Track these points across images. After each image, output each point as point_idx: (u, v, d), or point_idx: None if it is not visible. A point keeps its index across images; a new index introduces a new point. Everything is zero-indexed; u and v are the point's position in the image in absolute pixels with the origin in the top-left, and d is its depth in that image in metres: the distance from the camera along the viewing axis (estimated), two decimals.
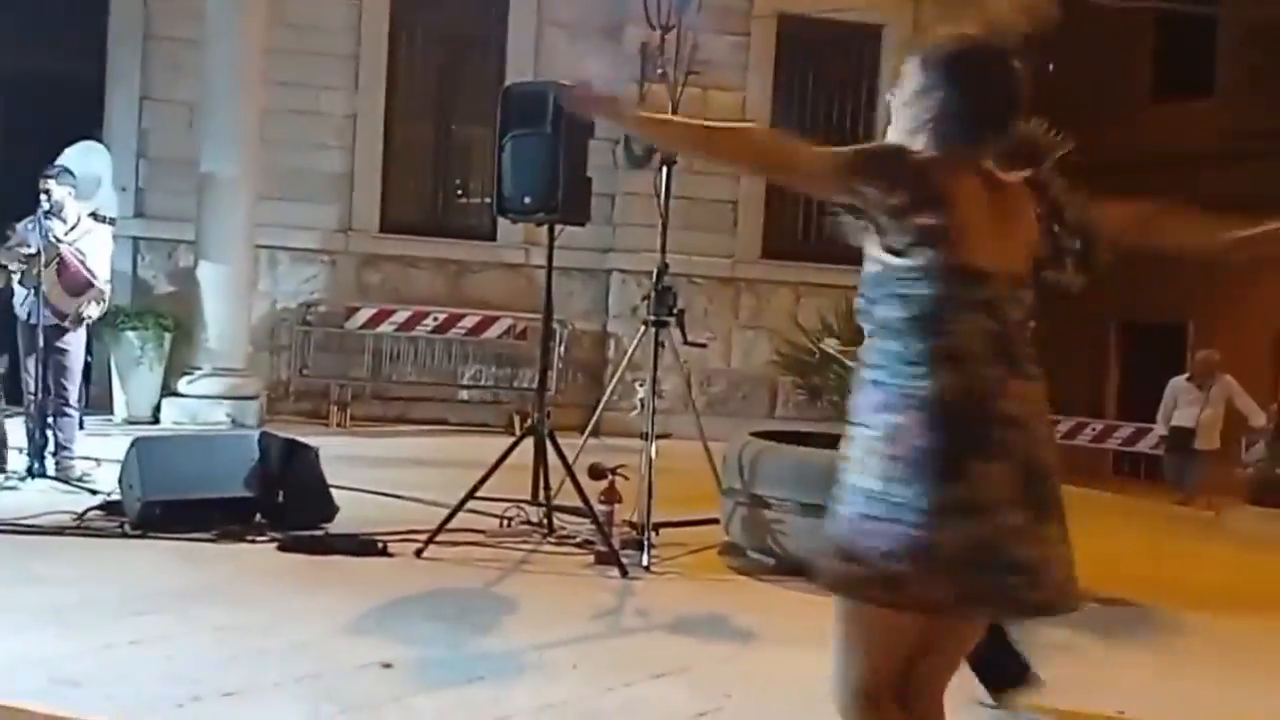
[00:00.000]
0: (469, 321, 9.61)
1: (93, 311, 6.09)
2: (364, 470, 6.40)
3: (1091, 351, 14.72)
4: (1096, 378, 14.72)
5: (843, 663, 2.03)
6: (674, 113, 5.93)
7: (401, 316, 9.49)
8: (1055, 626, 4.34)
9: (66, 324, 5.98)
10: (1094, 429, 12.01)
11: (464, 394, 9.78)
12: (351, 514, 5.30)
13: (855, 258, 8.25)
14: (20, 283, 5.94)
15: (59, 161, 6.23)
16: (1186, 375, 10.37)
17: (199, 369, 8.38)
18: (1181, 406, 10.16)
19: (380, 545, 4.86)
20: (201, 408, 8.23)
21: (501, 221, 7.90)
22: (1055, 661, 3.97)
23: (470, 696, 3.29)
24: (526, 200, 5.38)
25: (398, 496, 5.91)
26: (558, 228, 5.53)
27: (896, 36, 9.84)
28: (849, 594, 1.97)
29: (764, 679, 3.56)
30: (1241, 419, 10.29)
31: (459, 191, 10.41)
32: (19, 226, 5.97)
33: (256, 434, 5.68)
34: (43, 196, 5.87)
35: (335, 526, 5.17)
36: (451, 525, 4.98)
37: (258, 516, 5.10)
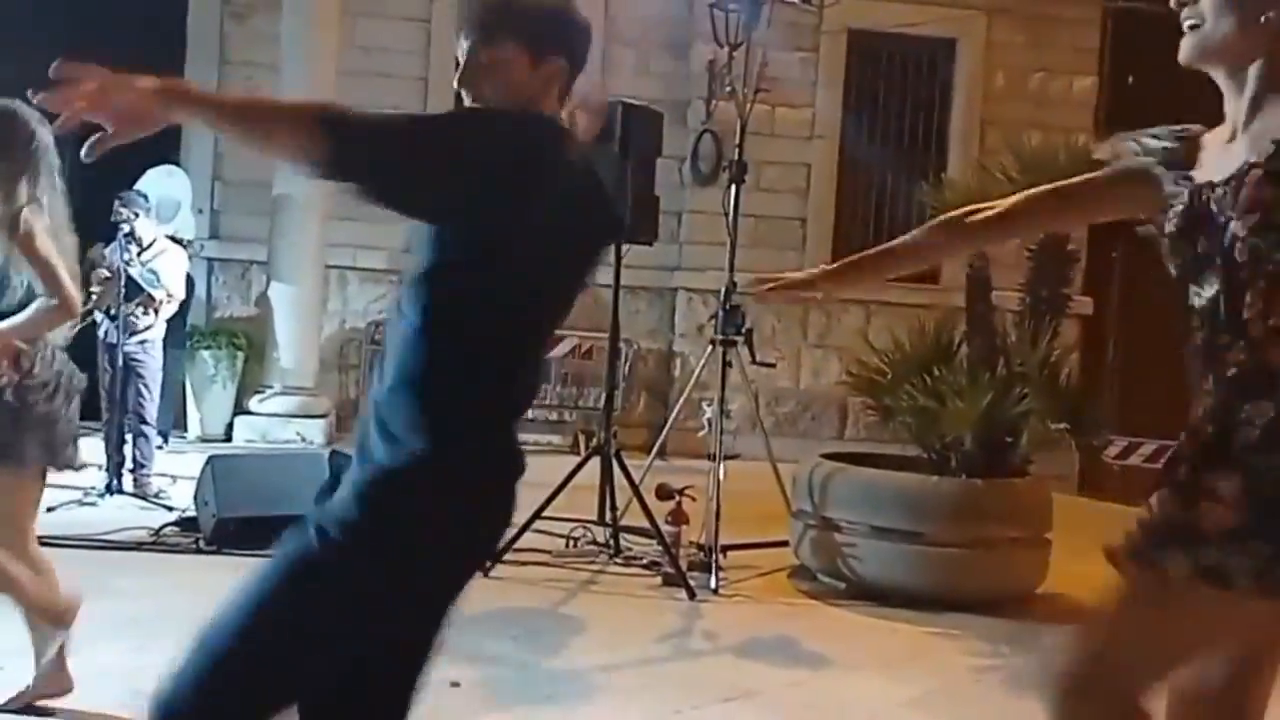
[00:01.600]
0: None
1: (146, 320, 6.13)
2: None
3: (1173, 373, 14.25)
4: (1179, 400, 14.22)
5: (1138, 654, 1.71)
6: (742, 130, 5.88)
7: None
8: None
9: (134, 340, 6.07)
10: None
11: (530, 413, 9.76)
12: None
13: (926, 277, 8.14)
14: (98, 304, 6.07)
15: (139, 185, 6.37)
16: None
17: (270, 388, 8.50)
18: None
19: None
20: (272, 426, 8.34)
21: None
22: None
23: (538, 716, 3.26)
24: None
25: None
26: (625, 246, 5.51)
27: (969, 50, 9.70)
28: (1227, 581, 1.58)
29: (833, 705, 3.48)
30: None
31: None
32: (102, 250, 6.10)
33: (327, 452, 5.72)
34: (119, 220, 6.00)
35: None
36: (518, 545, 4.94)
37: None
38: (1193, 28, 1.70)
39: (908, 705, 3.53)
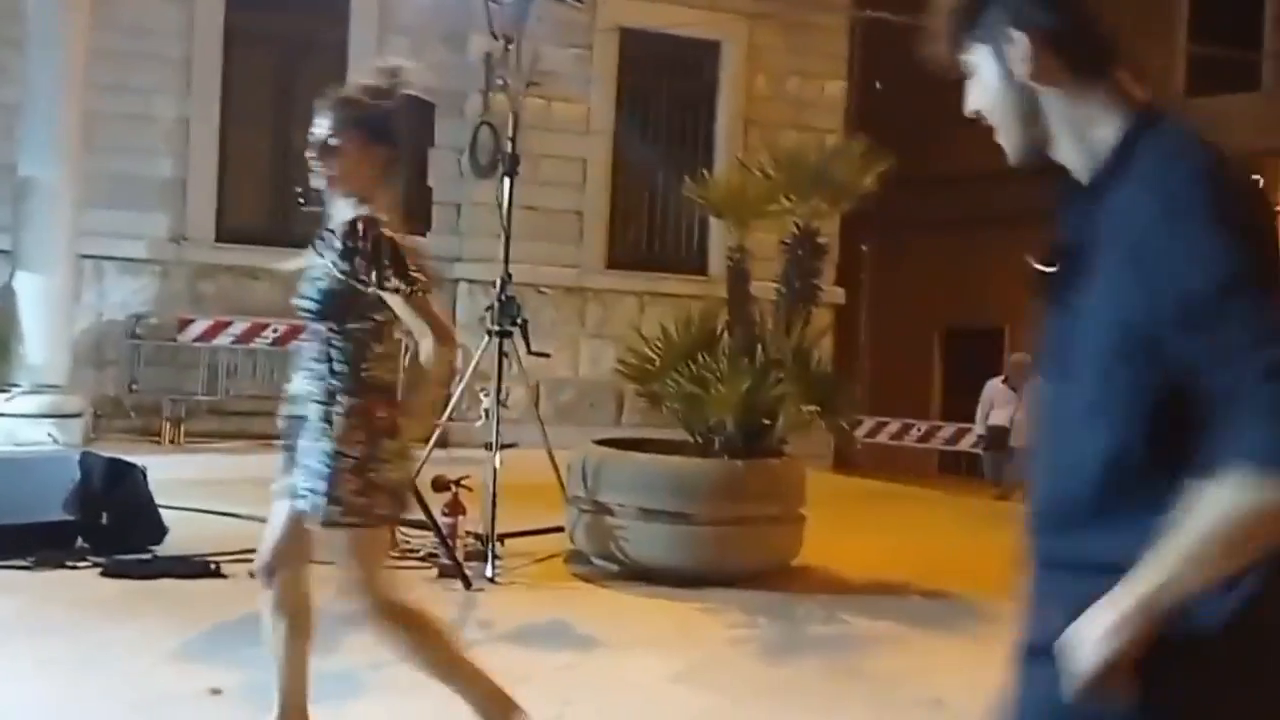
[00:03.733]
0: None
1: None
2: (199, 489, 6.16)
3: (917, 357, 15.45)
4: (922, 382, 15.45)
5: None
6: (515, 124, 5.95)
7: (239, 328, 9.17)
8: (880, 619, 4.57)
9: None
10: (919, 430, 12.61)
11: None
12: (183, 535, 5.11)
13: (696, 268, 8.48)
14: None
15: None
16: (1002, 377, 10.99)
17: (17, 386, 7.92)
18: (997, 407, 10.77)
19: (213, 567, 4.70)
20: (20, 427, 7.77)
21: None
22: (880, 653, 4.16)
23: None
24: None
25: (234, 515, 5.71)
26: None
27: (733, 53, 10.11)
28: None
29: (603, 684, 3.61)
30: None
31: (300, 200, 10.11)
32: None
33: (77, 454, 5.41)
34: None
35: (165, 549, 4.97)
36: None
37: (79, 541, 4.86)
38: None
39: (672, 679, 3.71)
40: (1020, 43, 1.37)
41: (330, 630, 4.06)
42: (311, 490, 2.68)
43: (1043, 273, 1.42)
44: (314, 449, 2.67)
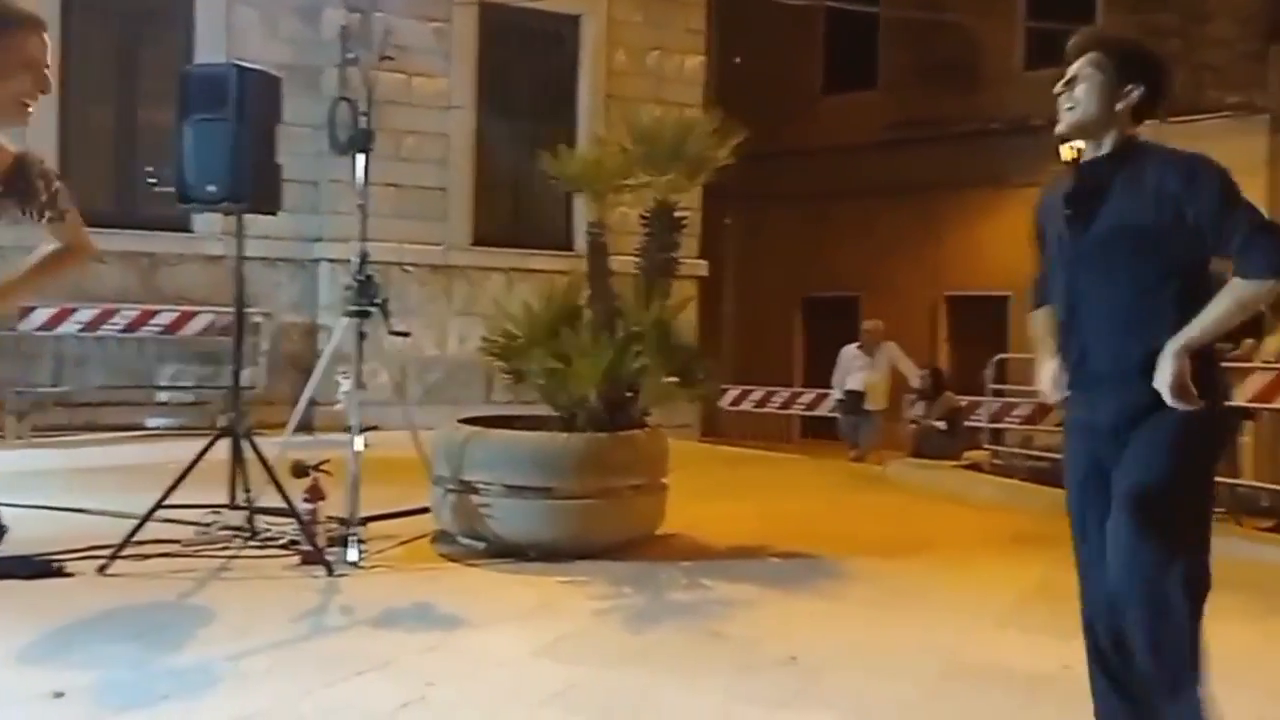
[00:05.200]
0: (165, 318, 9.02)
1: None
2: (45, 485, 5.90)
3: (779, 326, 15.82)
4: (784, 350, 15.84)
5: None
6: (369, 99, 5.81)
7: (86, 315, 8.77)
8: (739, 582, 4.68)
9: None
10: (781, 396, 12.93)
11: (162, 396, 9.19)
12: (26, 534, 4.83)
13: (562, 244, 8.49)
14: None
15: None
16: (856, 343, 11.33)
17: None
18: (852, 372, 11.12)
19: (56, 566, 4.50)
20: None
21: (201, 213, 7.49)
22: (740, 615, 4.27)
23: (157, 716, 3.13)
24: (210, 189, 5.14)
25: (82, 511, 5.49)
26: (249, 217, 5.32)
27: (592, 27, 10.07)
28: None
29: (467, 664, 3.60)
30: (904, 380, 11.36)
31: (150, 179, 9.70)
32: None
33: None
34: None
35: (4, 549, 4.73)
36: (142, 537, 4.69)
37: None
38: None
39: (537, 653, 3.73)
40: (1132, 94, 2.49)
41: (184, 624, 3.95)
42: None
43: (1074, 207, 2.50)
44: None
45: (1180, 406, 2.34)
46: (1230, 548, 5.97)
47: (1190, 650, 2.42)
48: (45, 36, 2.38)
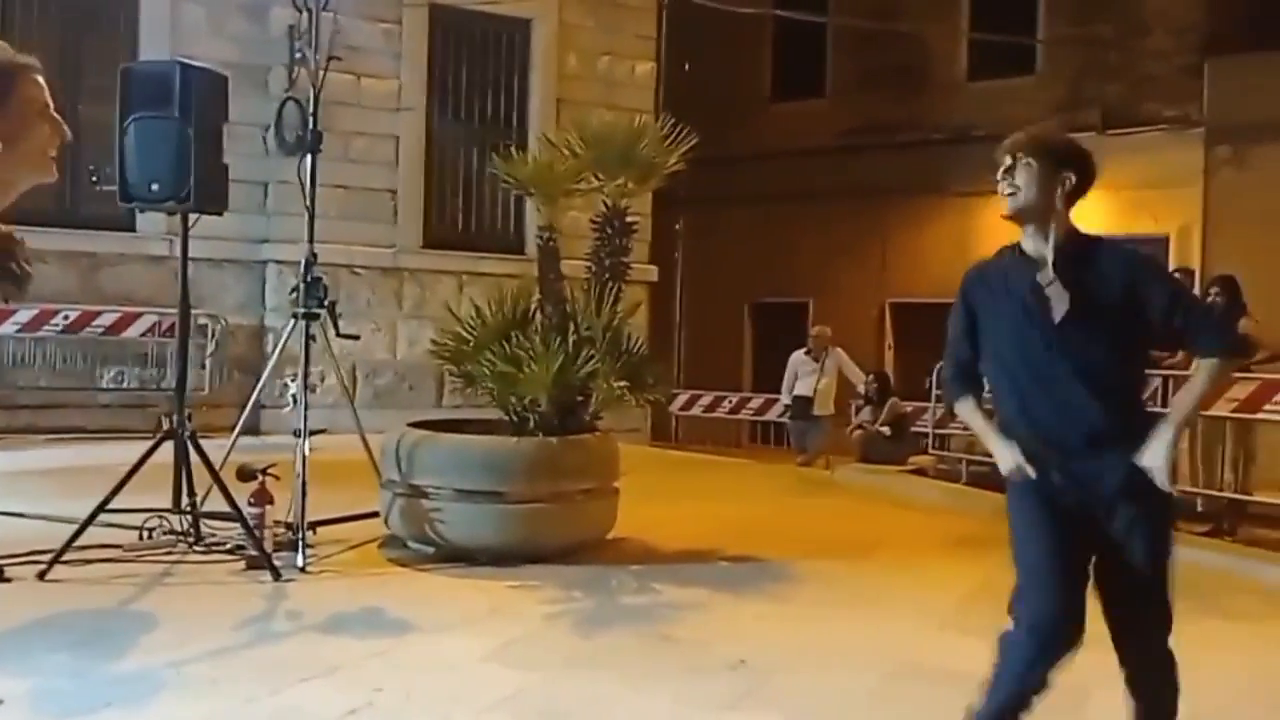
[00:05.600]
0: (107, 319, 8.85)
1: None
2: None
3: (729, 331, 15.92)
4: (734, 354, 15.93)
5: None
6: (316, 99, 5.77)
7: (25, 316, 8.57)
8: (689, 586, 4.71)
9: None
10: (731, 401, 13.00)
11: (104, 398, 9.01)
12: None
13: (514, 248, 8.45)
14: None
15: None
16: (805, 349, 11.42)
17: None
18: (801, 377, 11.20)
19: None
20: None
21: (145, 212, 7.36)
22: (689, 619, 4.29)
23: None
24: (154, 187, 5.07)
25: (21, 515, 5.37)
26: (194, 217, 5.25)
27: (544, 31, 10.07)
28: None
29: (416, 669, 3.59)
30: (852, 386, 11.48)
31: (93, 178, 9.52)
32: None
33: None
34: None
35: None
36: (83, 542, 4.61)
37: None
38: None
39: (485, 658, 3.72)
40: (1066, 182, 2.70)
41: (126, 630, 3.89)
42: None
43: (1038, 309, 2.69)
44: None
45: (1162, 486, 2.62)
46: None
47: None
48: (40, 79, 2.17)
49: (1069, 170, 2.71)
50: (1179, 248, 12.95)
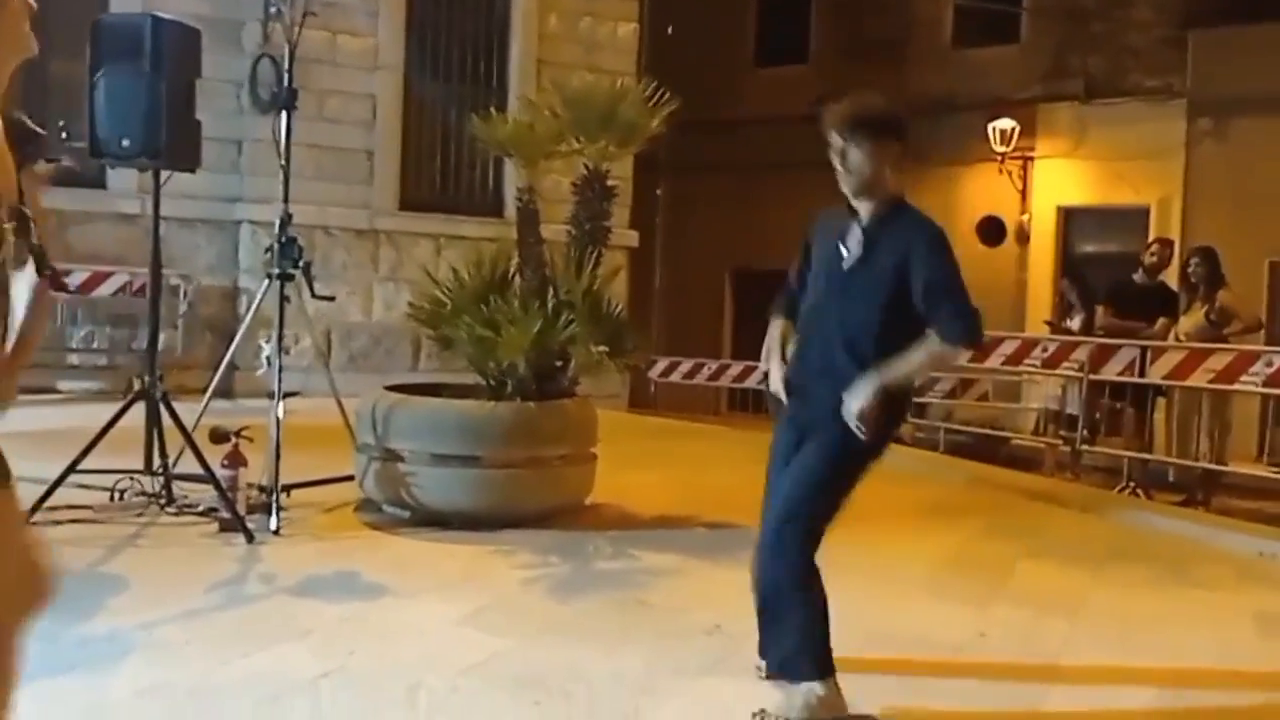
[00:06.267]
0: (76, 278, 8.71)
1: None
2: None
3: (709, 298, 15.90)
4: (714, 322, 15.92)
5: None
6: (291, 56, 5.65)
7: None
8: (665, 552, 4.70)
9: None
10: (710, 368, 12.99)
11: (73, 358, 8.91)
12: None
13: (493, 210, 8.34)
14: None
15: None
16: None
17: None
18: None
19: None
20: None
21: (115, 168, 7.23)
22: (665, 585, 4.29)
23: (63, 687, 3.03)
24: (125, 143, 4.96)
25: None
26: (166, 174, 5.15)
27: None
28: None
29: (389, 632, 3.56)
30: None
31: (63, 134, 9.34)
32: None
33: None
34: None
35: None
36: (52, 503, 4.55)
37: None
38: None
39: (460, 623, 3.70)
40: (893, 149, 2.98)
41: (95, 592, 3.84)
42: None
43: (841, 256, 3.02)
44: None
45: (853, 426, 2.87)
46: (1140, 520, 6.18)
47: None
48: None
49: (893, 139, 2.96)
50: (1159, 219, 13.00)
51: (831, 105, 2.98)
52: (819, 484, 2.93)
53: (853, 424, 2.86)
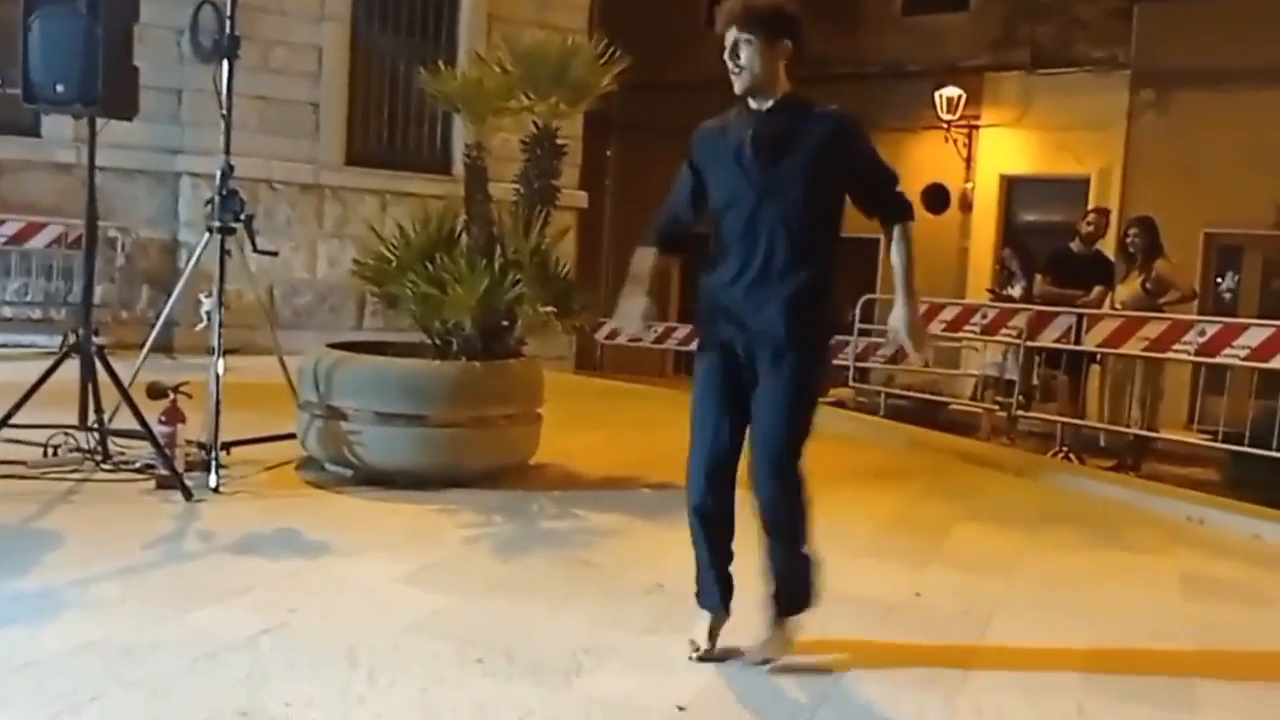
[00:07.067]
0: (9, 229, 8.50)
1: None
2: None
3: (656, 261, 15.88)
4: (661, 284, 15.91)
5: None
6: (235, 3, 5.50)
7: None
8: (609, 512, 4.73)
9: None
10: (656, 330, 12.98)
11: (6, 311, 8.68)
12: None
13: (440, 167, 8.27)
14: None
15: None
16: None
17: None
18: None
19: None
20: None
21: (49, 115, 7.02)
22: (608, 544, 4.31)
23: None
24: (59, 89, 4.80)
25: None
26: (102, 122, 5.00)
27: None
28: None
29: (329, 589, 3.55)
30: None
31: None
32: None
33: None
34: None
35: None
36: None
37: None
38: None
39: (403, 581, 3.69)
40: (786, 48, 2.96)
41: (29, 548, 3.78)
42: None
43: (754, 148, 2.95)
44: None
45: (908, 348, 3.01)
46: (1073, 484, 6.33)
47: None
48: None
49: (786, 38, 2.92)
50: (1099, 188, 13.20)
51: (725, 3, 2.94)
52: (803, 406, 2.98)
53: (907, 345, 2.95)
